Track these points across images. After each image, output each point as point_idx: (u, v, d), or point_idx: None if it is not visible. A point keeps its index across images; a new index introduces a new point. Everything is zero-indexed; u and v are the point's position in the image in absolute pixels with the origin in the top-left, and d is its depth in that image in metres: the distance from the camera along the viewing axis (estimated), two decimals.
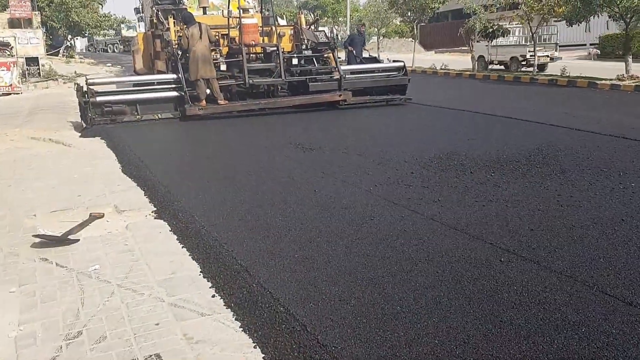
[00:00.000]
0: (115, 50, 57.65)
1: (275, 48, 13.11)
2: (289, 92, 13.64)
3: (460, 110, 12.26)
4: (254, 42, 12.93)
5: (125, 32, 52.80)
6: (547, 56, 21.24)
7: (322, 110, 12.85)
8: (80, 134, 10.68)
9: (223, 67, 12.82)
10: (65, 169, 7.60)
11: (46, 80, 21.20)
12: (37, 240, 4.75)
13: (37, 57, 21.74)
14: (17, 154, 8.80)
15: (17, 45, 21.28)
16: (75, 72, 23.47)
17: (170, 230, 5.06)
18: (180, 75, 12.22)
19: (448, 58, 27.37)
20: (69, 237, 4.81)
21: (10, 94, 19.01)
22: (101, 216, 5.50)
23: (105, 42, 58.99)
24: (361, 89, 13.58)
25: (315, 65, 13.54)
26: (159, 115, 12.25)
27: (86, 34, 38.29)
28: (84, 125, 11.78)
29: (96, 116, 11.73)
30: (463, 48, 29.55)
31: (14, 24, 27.67)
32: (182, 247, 4.65)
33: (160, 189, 6.37)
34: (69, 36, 33.59)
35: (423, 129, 10.30)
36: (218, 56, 13.11)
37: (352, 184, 6.28)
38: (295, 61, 13.26)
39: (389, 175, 6.59)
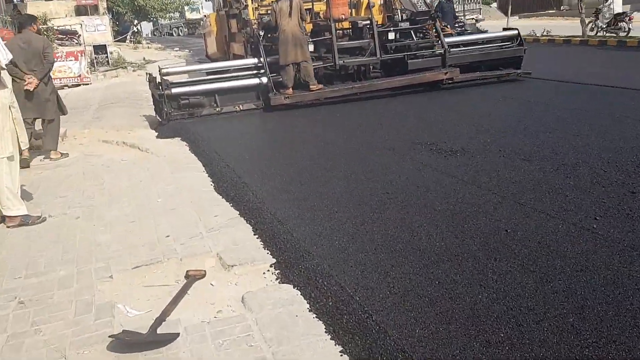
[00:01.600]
0: (180, 33, 56.85)
1: (368, 22, 11.10)
2: (382, 73, 11.63)
3: (597, 85, 9.91)
4: (343, 16, 10.95)
5: (189, 15, 51.75)
6: None
7: (423, 91, 10.78)
8: (156, 134, 9.04)
9: (310, 48, 10.92)
10: (145, 188, 5.94)
11: (115, 69, 19.92)
12: (117, 340, 3.03)
13: (105, 45, 20.47)
14: (87, 164, 7.24)
15: (84, 33, 20.06)
16: (144, 58, 22.15)
17: (309, 309, 3.25)
18: (262, 60, 10.43)
19: (537, 23, 24.44)
20: (162, 332, 3.08)
21: (79, 85, 17.79)
22: (202, 276, 3.79)
23: (170, 26, 58.20)
24: (467, 64, 11.38)
25: (413, 39, 11.44)
26: (240, 106, 10.53)
27: (151, 18, 37.17)
28: (159, 120, 10.21)
29: (172, 110, 10.13)
30: (551, 11, 26.47)
31: (80, 11, 26.66)
32: (341, 351, 2.83)
33: (273, 224, 4.58)
34: (135, 21, 32.48)
35: (579, 113, 7.96)
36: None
37: (559, 220, 4.28)
38: (391, 35, 11.19)
39: (601, 199, 4.55)
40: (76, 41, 22.12)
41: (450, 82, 11.06)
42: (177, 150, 7.71)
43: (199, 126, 9.18)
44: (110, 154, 7.79)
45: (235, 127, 9.10)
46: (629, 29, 17.33)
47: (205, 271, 3.86)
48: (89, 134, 9.08)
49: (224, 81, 10.71)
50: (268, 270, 3.84)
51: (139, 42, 30.47)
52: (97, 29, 25.05)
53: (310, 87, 10.32)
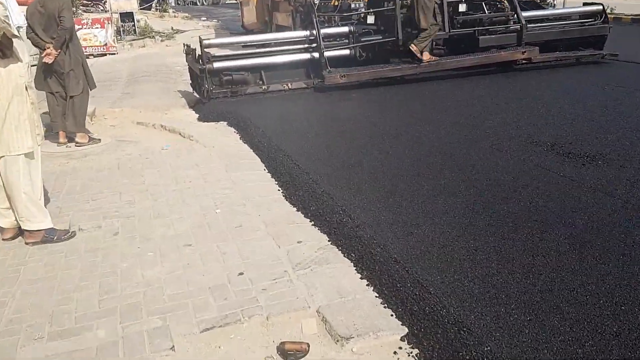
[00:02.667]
0: (205, 2, 55.20)
1: None
2: (445, 49, 10.21)
3: None
4: None
5: None
6: None
7: (493, 72, 9.37)
8: (197, 115, 7.75)
9: (370, 19, 9.50)
10: (197, 192, 4.69)
11: (142, 38, 18.58)
12: None
13: (132, 13, 19.10)
14: (122, 154, 6.00)
15: (110, 0, 18.72)
16: (172, 28, 20.75)
17: None
18: (315, 32, 9.07)
19: None
20: None
21: (105, 54, 16.54)
22: (304, 353, 2.55)
23: None
24: (542, 42, 9.90)
25: (484, 12, 9.98)
26: (289, 84, 9.20)
27: None
28: (198, 98, 8.95)
29: (214, 87, 8.85)
30: None
31: None
32: None
33: (388, 263, 3.29)
34: None
35: None
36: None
37: None
38: (462, 7, 9.72)
39: None
40: (102, 8, 20.80)
41: (525, 62, 9.64)
42: (226, 139, 6.43)
43: (245, 107, 7.87)
44: (148, 140, 6.54)
45: (289, 110, 7.76)
46: None
47: (307, 345, 2.61)
48: (121, 113, 7.83)
49: (271, 56, 9.37)
50: (400, 349, 2.58)
51: (165, 11, 29.01)
52: None
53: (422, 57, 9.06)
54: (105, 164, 5.66)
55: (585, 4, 10.75)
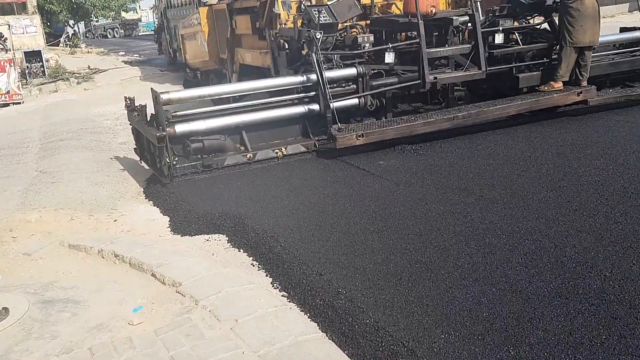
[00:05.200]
0: (116, 35, 50.99)
1: (466, 18, 7.19)
2: (467, 92, 7.79)
3: None
4: (433, 9, 6.96)
5: (126, 15, 46.14)
6: None
7: (535, 120, 6.98)
8: (166, 219, 4.71)
9: (389, 58, 6.85)
10: None
11: (54, 81, 15.05)
12: None
13: (40, 51, 15.50)
14: (50, 347, 2.93)
15: (11, 37, 15.08)
16: (88, 67, 17.22)
17: None
18: (317, 76, 6.36)
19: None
20: None
21: (8, 104, 12.98)
22: None
23: (104, 27, 52.01)
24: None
25: (519, 44, 7.60)
26: (283, 149, 6.39)
27: (93, 18, 31.66)
28: (156, 175, 5.96)
29: (177, 160, 5.93)
30: None
31: (5, 9, 21.21)
32: None
33: None
34: (71, 22, 27.09)
35: None
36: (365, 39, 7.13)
37: None
38: (498, 38, 7.29)
39: None
40: (2, 46, 17.06)
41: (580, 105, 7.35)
42: (248, 291, 3.41)
43: (235, 194, 4.97)
44: (97, 295, 3.48)
45: (305, 197, 4.86)
46: None
47: None
48: (39, 223, 4.66)
49: (255, 111, 6.53)
50: None
51: (77, 46, 25.15)
52: (26, 30, 19.81)
53: (582, 83, 6.99)
54: None
55: (624, 30, 8.65)
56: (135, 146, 6.89)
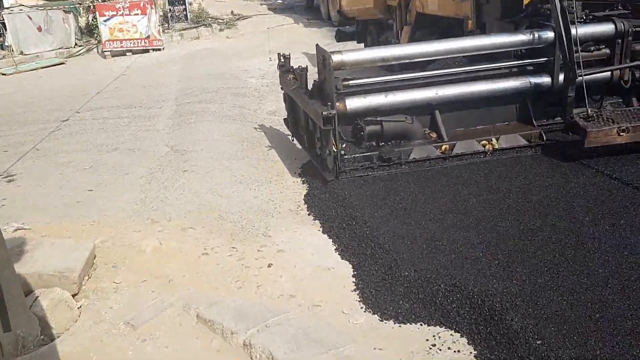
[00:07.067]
0: None
1: None
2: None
3: None
4: None
5: None
6: None
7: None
8: (350, 267, 2.92)
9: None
10: None
11: (196, 27, 13.92)
12: None
13: None
14: None
15: None
16: (232, 12, 15.97)
17: None
18: (557, 32, 4.24)
19: None
20: None
21: (147, 50, 12.02)
22: None
23: None
24: None
25: None
26: (494, 142, 4.41)
27: None
28: (319, 168, 4.23)
29: (345, 150, 4.20)
30: None
31: None
32: None
33: None
34: None
35: None
36: None
37: None
38: None
39: None
40: None
41: None
42: None
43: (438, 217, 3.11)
44: None
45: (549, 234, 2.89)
46: None
47: None
48: (157, 254, 3.09)
49: (453, 82, 4.56)
50: None
51: None
52: None
53: None
54: None
55: None
56: (286, 117, 5.28)
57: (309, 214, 3.55)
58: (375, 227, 3.05)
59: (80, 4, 13.53)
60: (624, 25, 4.46)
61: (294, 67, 4.88)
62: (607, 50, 4.57)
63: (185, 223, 3.38)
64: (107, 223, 3.60)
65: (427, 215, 3.15)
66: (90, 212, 3.89)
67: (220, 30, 13.94)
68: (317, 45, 4.45)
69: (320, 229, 3.30)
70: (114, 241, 3.17)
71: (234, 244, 3.10)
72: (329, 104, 4.03)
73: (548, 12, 4.54)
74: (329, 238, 3.19)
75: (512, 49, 4.67)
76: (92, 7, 12.76)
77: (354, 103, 4.32)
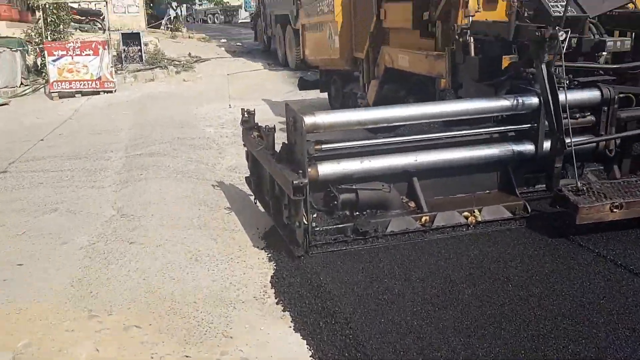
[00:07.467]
0: (216, 20, 50.35)
1: None
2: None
3: None
4: None
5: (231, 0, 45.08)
6: None
7: None
8: None
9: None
10: None
11: (151, 69, 13.40)
12: None
13: (139, 34, 13.90)
14: None
15: (109, 16, 13.55)
16: (189, 54, 15.54)
17: None
18: (542, 98, 3.99)
19: None
20: None
21: (98, 92, 11.39)
22: None
23: (205, 12, 51.58)
24: None
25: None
26: (477, 214, 4.07)
27: (196, 2, 30.46)
28: (286, 242, 3.75)
29: (316, 222, 3.77)
30: None
31: None
32: None
33: None
34: (174, 3, 25.85)
35: None
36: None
37: None
38: None
39: None
40: (99, 25, 15.74)
41: None
42: None
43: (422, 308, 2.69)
44: None
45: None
46: None
47: None
48: None
49: (431, 148, 4.22)
50: None
51: (178, 30, 23.80)
52: (128, 10, 18.61)
53: None
54: None
55: None
56: (248, 176, 4.82)
57: (277, 303, 3.06)
58: (359, 329, 2.59)
59: (29, 42, 12.87)
60: (610, 92, 4.25)
61: (260, 126, 4.46)
62: (593, 118, 4.34)
63: (129, 318, 2.83)
64: (36, 312, 3.02)
65: (418, 313, 2.71)
66: (17, 294, 3.29)
67: (177, 72, 13.46)
68: (286, 104, 4.03)
69: (292, 326, 2.81)
70: (40, 344, 2.59)
71: (187, 349, 2.57)
72: (300, 171, 3.59)
73: (530, 75, 4.31)
74: (303, 338, 2.70)
75: (495, 114, 4.40)
76: (40, 46, 12.11)
77: (326, 169, 3.90)
